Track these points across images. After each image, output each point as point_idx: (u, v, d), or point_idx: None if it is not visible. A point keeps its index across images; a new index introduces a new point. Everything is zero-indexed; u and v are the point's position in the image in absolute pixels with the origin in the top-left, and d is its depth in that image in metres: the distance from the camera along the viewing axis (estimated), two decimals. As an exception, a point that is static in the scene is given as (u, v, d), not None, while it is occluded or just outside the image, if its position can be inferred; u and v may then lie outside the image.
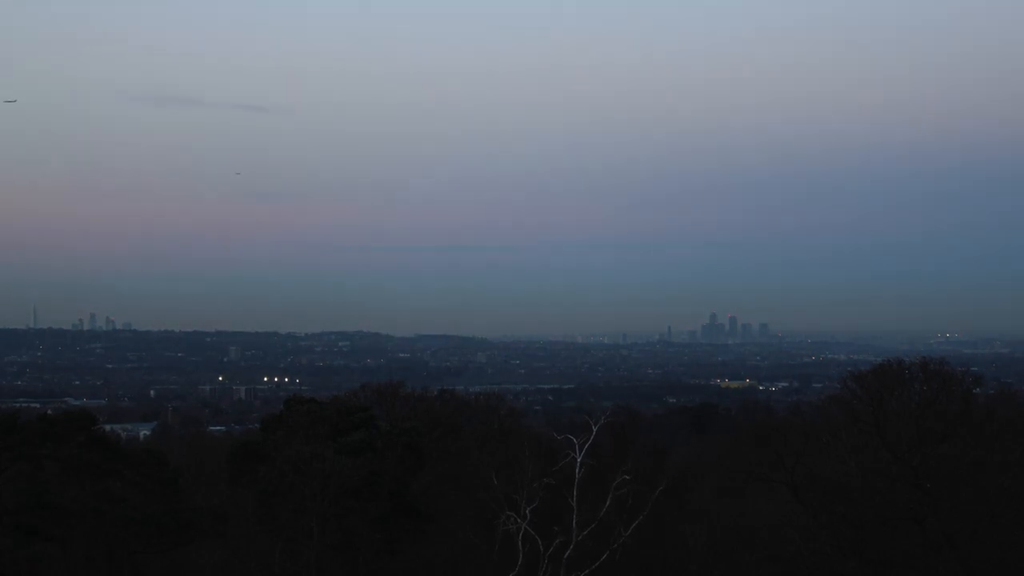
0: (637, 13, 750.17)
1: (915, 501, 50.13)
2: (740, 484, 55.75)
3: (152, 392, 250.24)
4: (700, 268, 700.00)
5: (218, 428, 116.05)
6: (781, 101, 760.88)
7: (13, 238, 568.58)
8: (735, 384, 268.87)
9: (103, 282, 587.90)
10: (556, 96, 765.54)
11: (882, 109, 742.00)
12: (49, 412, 61.58)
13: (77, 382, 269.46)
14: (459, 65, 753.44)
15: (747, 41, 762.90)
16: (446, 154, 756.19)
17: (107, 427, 58.01)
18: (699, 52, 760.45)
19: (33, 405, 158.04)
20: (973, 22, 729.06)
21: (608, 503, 33.78)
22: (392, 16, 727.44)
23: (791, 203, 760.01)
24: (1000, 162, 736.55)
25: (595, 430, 34.76)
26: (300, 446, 44.76)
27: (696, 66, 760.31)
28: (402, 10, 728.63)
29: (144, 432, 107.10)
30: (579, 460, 33.59)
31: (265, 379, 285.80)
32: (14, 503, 42.42)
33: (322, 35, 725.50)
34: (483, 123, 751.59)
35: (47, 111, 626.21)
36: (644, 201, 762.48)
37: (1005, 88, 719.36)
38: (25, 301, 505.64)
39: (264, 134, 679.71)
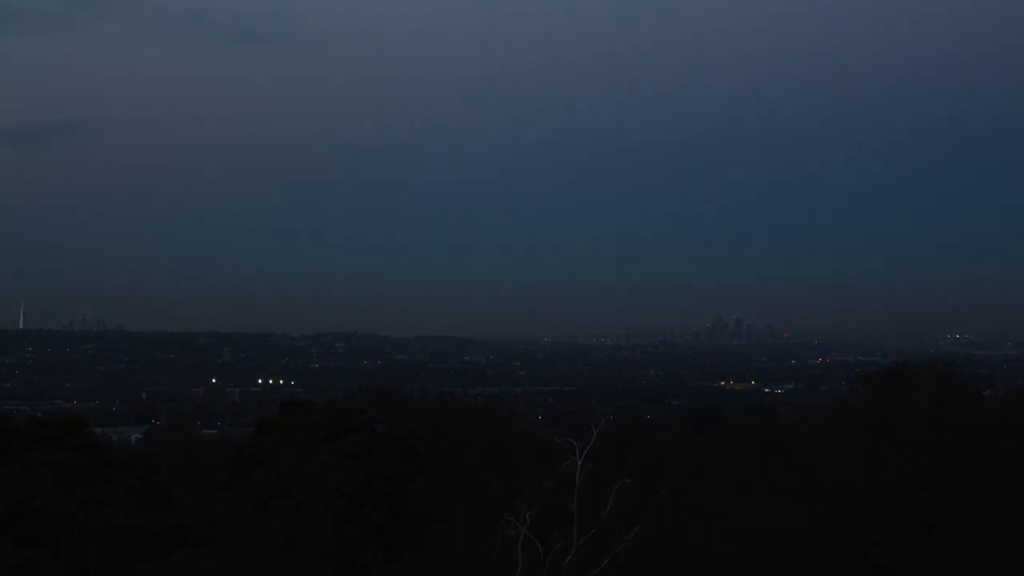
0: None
1: (924, 506, 49.31)
2: (745, 488, 54.79)
3: (144, 394, 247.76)
4: (704, 268, 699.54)
5: (211, 431, 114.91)
6: (786, 104, 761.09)
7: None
8: (740, 386, 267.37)
9: (94, 282, 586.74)
10: (552, 87, 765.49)
11: (887, 109, 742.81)
12: (39, 415, 60.80)
13: (67, 384, 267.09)
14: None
15: (754, 39, 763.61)
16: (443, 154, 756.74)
17: (98, 430, 57.12)
18: (726, 51, 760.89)
19: (22, 408, 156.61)
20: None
21: (609, 507, 32.81)
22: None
23: (796, 202, 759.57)
24: (1011, 162, 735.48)
25: (596, 433, 33.79)
26: (295, 450, 43.93)
27: (704, 68, 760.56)
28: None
29: (136, 435, 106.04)
30: (580, 464, 32.61)
31: (259, 381, 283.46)
32: (3, 508, 41.59)
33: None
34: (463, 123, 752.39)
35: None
36: (646, 201, 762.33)
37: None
38: (12, 301, 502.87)
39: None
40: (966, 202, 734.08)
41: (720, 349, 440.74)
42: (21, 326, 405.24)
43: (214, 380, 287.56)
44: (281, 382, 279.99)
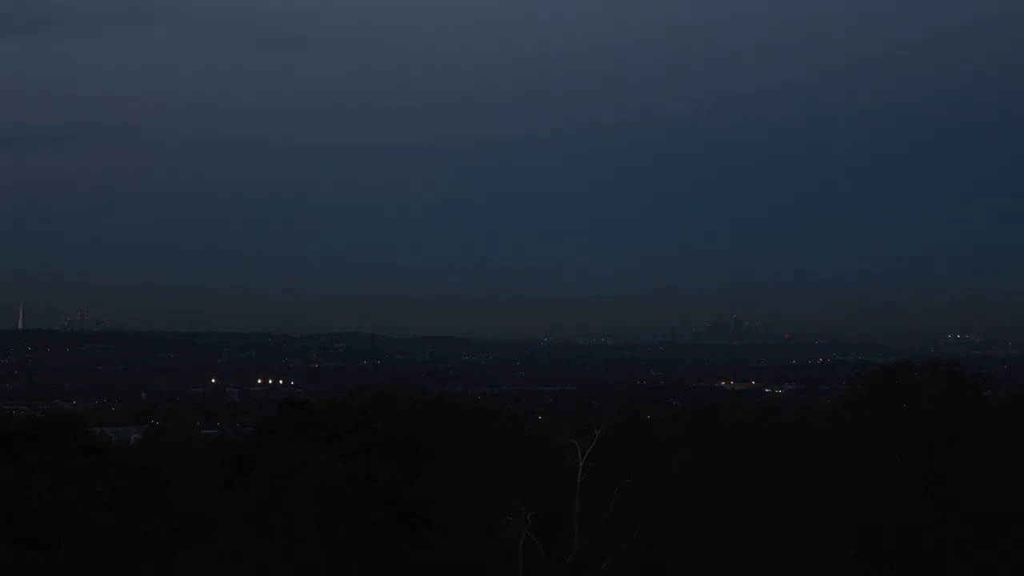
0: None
1: (925, 507, 49.21)
2: (745, 488, 54.66)
3: (143, 394, 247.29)
4: (704, 268, 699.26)
5: (211, 431, 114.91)
6: (787, 100, 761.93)
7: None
8: (740, 386, 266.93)
9: (94, 282, 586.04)
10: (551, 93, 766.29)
11: (888, 106, 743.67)
12: (39, 415, 60.61)
13: (67, 384, 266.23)
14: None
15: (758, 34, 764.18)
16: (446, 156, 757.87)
17: (97, 430, 56.97)
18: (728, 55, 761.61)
19: (21, 408, 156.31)
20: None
21: (611, 508, 32.75)
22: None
23: (797, 203, 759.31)
24: (1011, 160, 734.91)
25: (597, 434, 33.74)
26: (295, 451, 43.81)
27: (712, 68, 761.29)
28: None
29: (135, 436, 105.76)
30: (581, 464, 32.58)
31: (259, 381, 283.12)
32: (3, 508, 41.41)
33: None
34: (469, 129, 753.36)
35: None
36: (647, 201, 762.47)
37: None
38: (11, 301, 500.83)
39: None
40: (966, 202, 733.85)
41: (720, 349, 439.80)
42: (21, 326, 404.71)
43: (214, 380, 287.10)
44: (281, 382, 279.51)
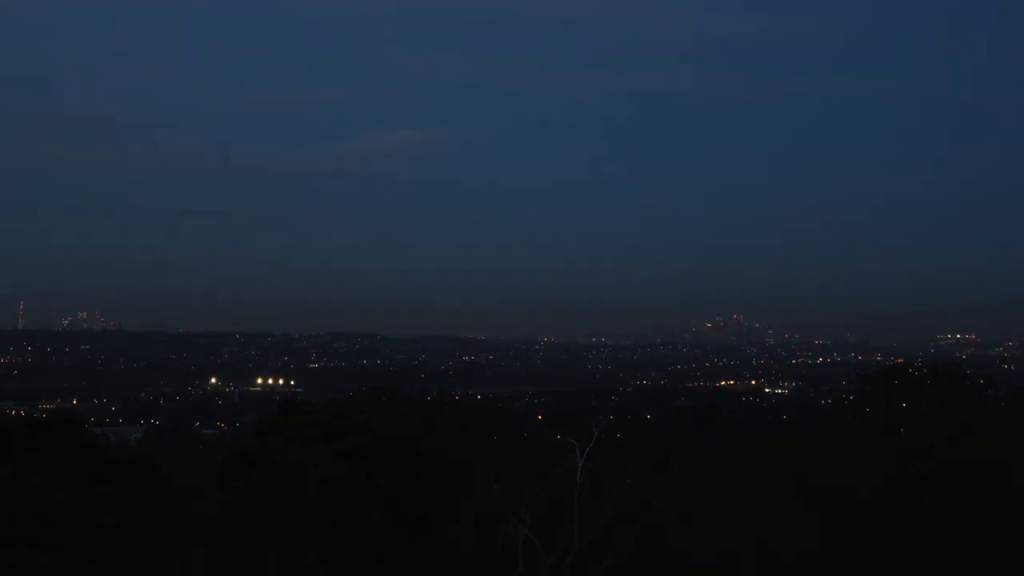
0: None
1: (924, 506, 49.20)
2: (745, 488, 54.65)
3: (143, 394, 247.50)
4: (705, 269, 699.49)
5: (211, 431, 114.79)
6: (790, 106, 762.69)
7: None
8: (740, 386, 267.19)
9: (93, 282, 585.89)
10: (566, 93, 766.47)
11: (885, 109, 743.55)
12: (38, 415, 60.53)
13: (67, 384, 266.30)
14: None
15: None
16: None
17: (96, 430, 57.01)
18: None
19: (22, 408, 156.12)
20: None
21: (610, 508, 32.72)
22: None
23: (797, 204, 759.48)
24: (1012, 160, 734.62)
25: (597, 434, 33.70)
26: (295, 451, 43.81)
27: (711, 66, 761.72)
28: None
29: (135, 435, 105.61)
30: (580, 465, 32.55)
31: (259, 381, 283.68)
32: (2, 509, 41.37)
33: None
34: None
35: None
36: (649, 203, 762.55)
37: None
38: (11, 301, 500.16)
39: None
40: (966, 202, 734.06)
41: (720, 349, 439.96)
42: (21, 326, 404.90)
43: (214, 380, 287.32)
44: (281, 382, 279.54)
